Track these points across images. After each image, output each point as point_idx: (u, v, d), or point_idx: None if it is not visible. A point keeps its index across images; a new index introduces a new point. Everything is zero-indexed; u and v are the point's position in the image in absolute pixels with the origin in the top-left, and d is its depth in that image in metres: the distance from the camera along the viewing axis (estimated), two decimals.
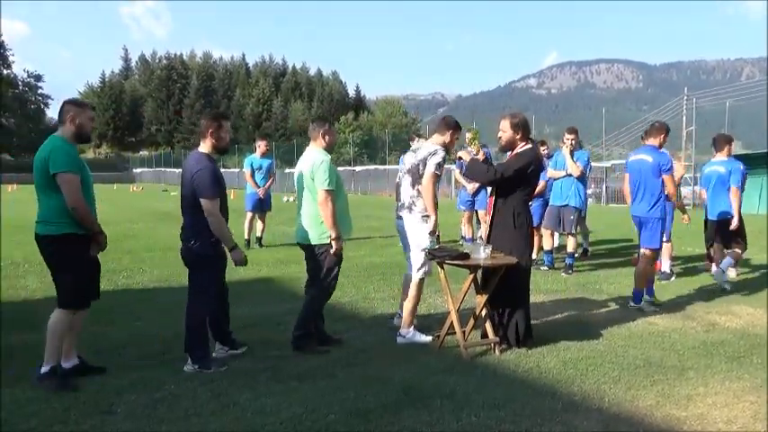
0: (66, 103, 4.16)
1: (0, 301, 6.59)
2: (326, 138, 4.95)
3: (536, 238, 8.55)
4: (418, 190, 5.19)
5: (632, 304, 6.49)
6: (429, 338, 5.19)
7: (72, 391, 3.96)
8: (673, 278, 7.99)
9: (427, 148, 5.22)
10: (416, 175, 5.20)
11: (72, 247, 4.02)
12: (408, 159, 5.34)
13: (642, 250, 6.58)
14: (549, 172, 8.63)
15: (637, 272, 6.58)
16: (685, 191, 22.21)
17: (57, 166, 3.88)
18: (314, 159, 4.83)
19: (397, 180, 5.51)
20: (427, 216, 5.18)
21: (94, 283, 4.28)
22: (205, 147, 4.50)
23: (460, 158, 5.43)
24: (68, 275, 4.06)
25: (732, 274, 8.09)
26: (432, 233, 5.24)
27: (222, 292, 4.76)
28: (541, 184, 8.27)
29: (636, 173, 6.52)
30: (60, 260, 4.05)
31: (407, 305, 5.23)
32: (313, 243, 4.86)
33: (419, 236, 5.19)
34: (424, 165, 5.14)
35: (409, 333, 5.20)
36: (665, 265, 8.10)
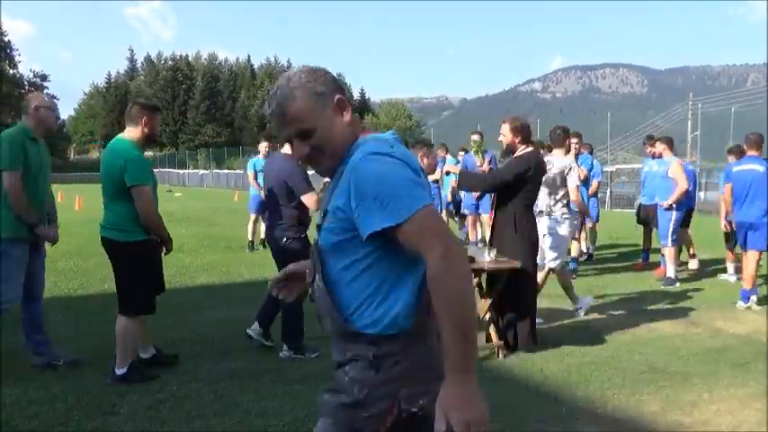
0: (135, 104, 4.19)
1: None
2: (424, 160, 5.17)
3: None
4: (555, 198, 6.09)
5: (740, 304, 6.71)
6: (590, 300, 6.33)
7: (152, 379, 4.19)
8: (677, 284, 7.95)
9: (562, 163, 6.15)
10: (554, 186, 6.08)
11: (147, 252, 4.14)
12: None
13: (751, 252, 6.79)
14: None
15: (748, 273, 6.83)
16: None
17: (134, 179, 3.93)
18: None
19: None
20: (567, 217, 6.14)
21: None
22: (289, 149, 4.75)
23: (448, 173, 5.52)
24: (142, 280, 4.11)
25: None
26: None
27: None
28: (594, 184, 9.24)
29: (742, 182, 6.89)
30: (135, 266, 4.09)
31: (565, 288, 6.26)
32: None
33: (560, 233, 6.11)
34: (561, 177, 6.07)
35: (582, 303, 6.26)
36: (669, 270, 8.07)
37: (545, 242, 6.02)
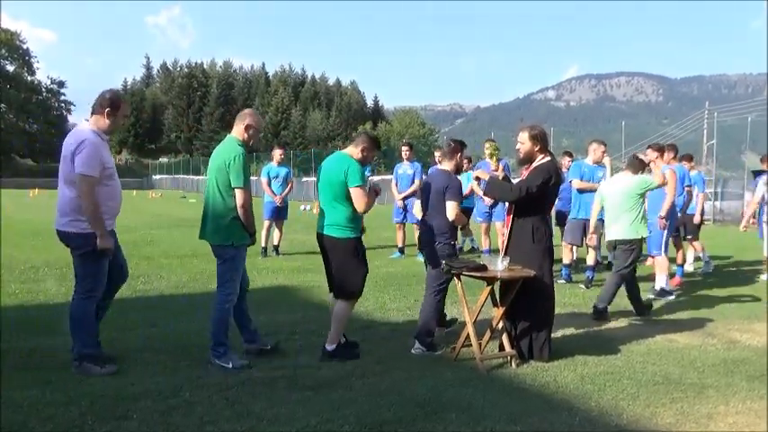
0: (364, 133, 5.21)
1: (0, 305, 6.61)
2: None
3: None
4: None
5: None
6: None
7: (356, 358, 4.88)
8: (672, 297, 7.75)
9: None
10: None
11: (360, 247, 4.93)
12: None
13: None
14: (580, 183, 8.39)
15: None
16: (707, 205, 21.92)
17: (354, 181, 4.72)
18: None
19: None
20: None
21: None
22: (448, 166, 5.44)
23: (478, 179, 5.55)
24: (357, 270, 4.90)
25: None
26: None
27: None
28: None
29: None
30: (352, 258, 4.87)
31: None
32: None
33: None
34: None
35: None
36: (660, 281, 7.81)
37: None
